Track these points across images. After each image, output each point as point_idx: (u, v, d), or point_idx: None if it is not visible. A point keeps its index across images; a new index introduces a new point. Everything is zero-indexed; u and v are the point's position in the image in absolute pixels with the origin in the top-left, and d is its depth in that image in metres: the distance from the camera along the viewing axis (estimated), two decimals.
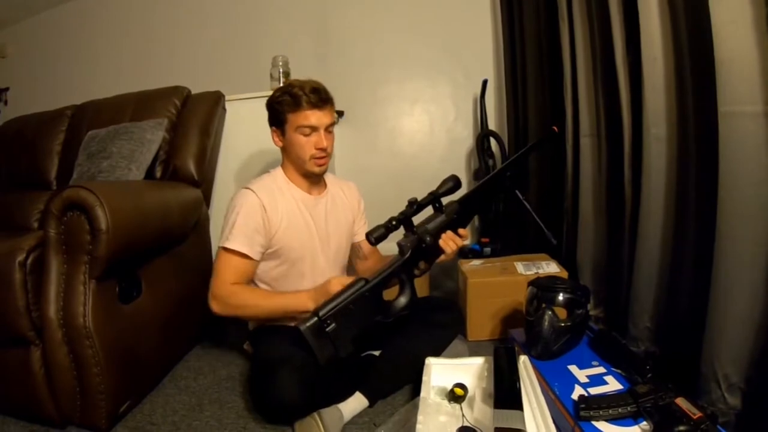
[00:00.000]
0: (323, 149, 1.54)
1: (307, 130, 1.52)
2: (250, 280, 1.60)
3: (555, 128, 1.40)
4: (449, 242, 1.39)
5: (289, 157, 1.62)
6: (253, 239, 1.52)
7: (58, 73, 3.88)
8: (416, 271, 1.39)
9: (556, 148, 2.33)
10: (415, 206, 1.35)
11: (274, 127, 1.60)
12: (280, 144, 1.61)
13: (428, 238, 1.35)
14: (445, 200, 1.40)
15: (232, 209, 1.54)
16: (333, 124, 1.58)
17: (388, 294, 1.36)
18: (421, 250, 1.36)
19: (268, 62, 2.51)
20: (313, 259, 1.64)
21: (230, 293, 1.49)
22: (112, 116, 2.20)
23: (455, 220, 1.41)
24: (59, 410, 1.40)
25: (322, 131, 1.54)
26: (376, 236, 1.32)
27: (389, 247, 1.47)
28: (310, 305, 1.37)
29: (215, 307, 1.50)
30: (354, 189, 1.83)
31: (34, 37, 3.95)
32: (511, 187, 1.52)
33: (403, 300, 1.35)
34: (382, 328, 1.40)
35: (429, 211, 1.41)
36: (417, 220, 1.38)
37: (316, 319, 1.24)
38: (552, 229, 2.35)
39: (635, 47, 1.55)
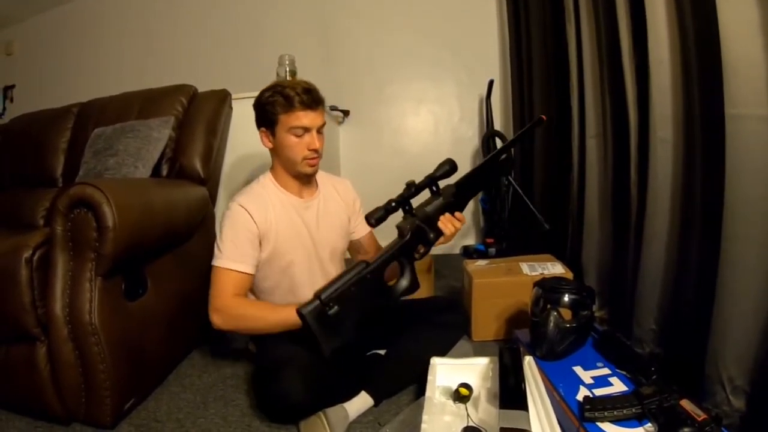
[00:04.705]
0: (316, 150, 1.53)
1: (300, 131, 1.49)
2: (248, 292, 1.58)
3: (543, 117, 1.41)
4: (448, 224, 1.39)
5: (279, 159, 1.59)
6: (245, 253, 1.50)
7: (64, 71, 3.90)
8: (416, 254, 1.39)
9: (562, 149, 2.33)
10: (413, 189, 1.36)
11: (263, 129, 1.56)
12: (270, 146, 1.58)
13: (424, 219, 1.38)
14: (442, 184, 1.42)
15: (222, 227, 1.53)
16: (324, 124, 1.57)
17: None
18: (420, 232, 1.37)
19: (274, 61, 2.51)
20: (308, 264, 1.62)
21: (231, 305, 1.47)
22: (119, 114, 2.20)
23: (452, 202, 1.41)
24: (64, 407, 1.41)
25: (314, 132, 1.52)
26: (376, 218, 1.33)
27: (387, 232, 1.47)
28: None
29: (216, 320, 1.46)
30: (348, 187, 1.80)
31: (40, 34, 3.97)
32: (505, 172, 1.53)
33: (404, 282, 1.36)
34: (384, 314, 1.42)
35: (426, 194, 1.42)
36: (415, 204, 1.40)
37: (318, 302, 1.22)
38: (557, 229, 2.37)
39: (642, 49, 1.55)
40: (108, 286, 1.40)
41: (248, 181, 1.67)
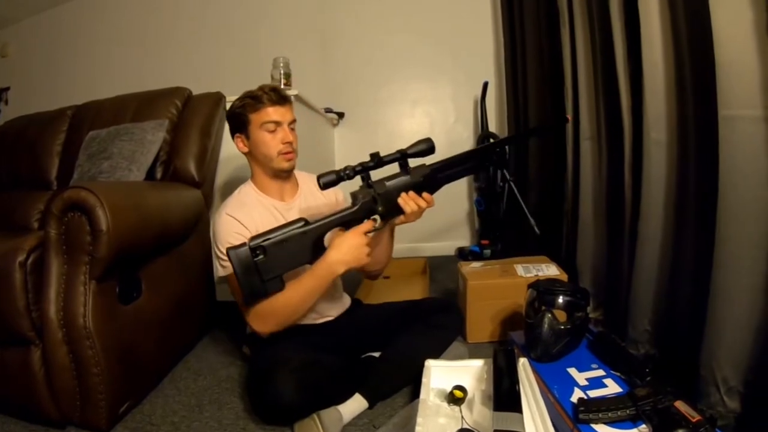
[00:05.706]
0: (290, 143, 1.55)
1: (272, 126, 1.53)
2: None
3: (568, 117, 1.38)
4: (410, 202, 1.36)
5: (256, 160, 1.60)
6: None
7: (59, 73, 3.88)
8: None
9: (557, 150, 2.34)
10: (375, 160, 1.34)
11: (237, 134, 1.59)
12: (246, 149, 1.60)
13: (381, 193, 1.36)
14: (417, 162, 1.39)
15: (215, 240, 1.55)
16: (295, 121, 1.60)
17: None
18: (372, 204, 1.37)
19: (269, 63, 2.51)
20: None
21: (257, 308, 1.42)
22: (113, 117, 2.20)
23: (421, 183, 1.38)
24: (59, 410, 1.40)
25: (285, 126, 1.55)
26: (324, 181, 1.32)
27: None
28: (339, 267, 1.38)
29: (258, 326, 1.46)
30: None
31: (35, 36, 3.95)
32: (497, 165, 1.51)
33: None
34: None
35: (395, 168, 1.39)
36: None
37: (246, 247, 1.27)
38: (552, 231, 2.38)
39: (636, 51, 1.56)
40: (102, 289, 1.40)
41: (242, 183, 1.66)
